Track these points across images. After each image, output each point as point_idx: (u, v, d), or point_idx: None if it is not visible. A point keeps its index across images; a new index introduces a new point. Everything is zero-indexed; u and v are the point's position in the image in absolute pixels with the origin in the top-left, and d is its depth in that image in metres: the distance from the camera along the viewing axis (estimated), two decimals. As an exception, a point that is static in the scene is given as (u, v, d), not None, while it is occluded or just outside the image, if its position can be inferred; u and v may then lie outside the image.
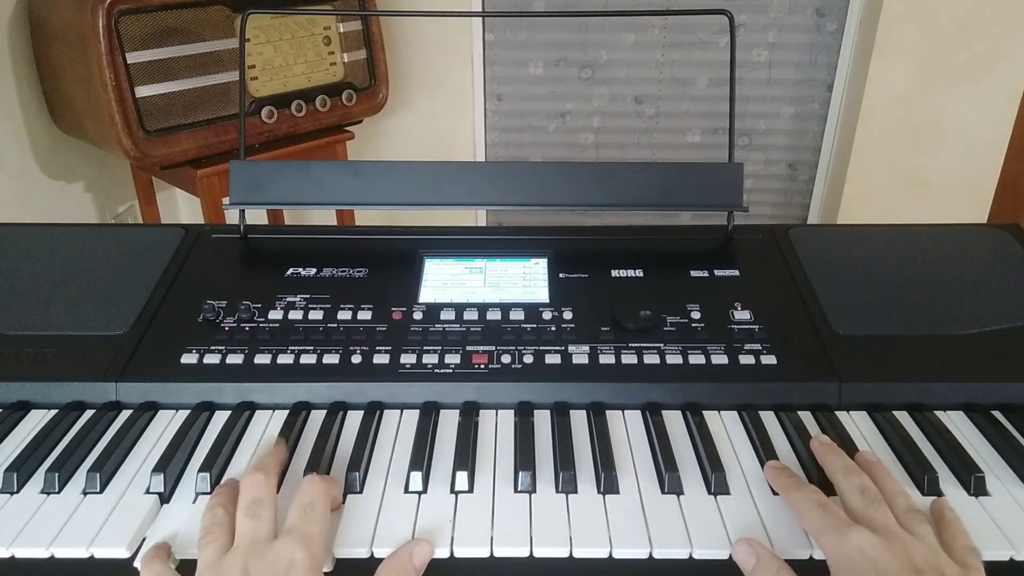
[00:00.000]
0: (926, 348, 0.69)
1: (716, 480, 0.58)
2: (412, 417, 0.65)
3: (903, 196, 2.37)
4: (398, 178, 0.82)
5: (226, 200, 0.85)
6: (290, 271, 0.78)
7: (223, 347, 0.69)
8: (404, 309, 0.73)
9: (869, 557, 0.48)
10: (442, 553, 0.52)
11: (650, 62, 2.34)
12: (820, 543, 0.51)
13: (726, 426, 0.64)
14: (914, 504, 0.53)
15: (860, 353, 0.68)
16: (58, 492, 0.58)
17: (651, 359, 0.67)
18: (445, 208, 0.82)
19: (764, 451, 0.61)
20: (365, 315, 0.72)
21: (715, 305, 0.73)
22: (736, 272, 0.78)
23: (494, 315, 0.72)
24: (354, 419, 0.65)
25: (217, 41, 1.62)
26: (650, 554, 0.52)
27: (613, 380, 0.67)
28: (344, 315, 0.72)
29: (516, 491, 0.57)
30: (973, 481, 0.58)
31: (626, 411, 0.66)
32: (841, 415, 0.65)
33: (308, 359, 0.68)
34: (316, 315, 0.72)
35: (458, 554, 0.53)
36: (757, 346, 0.69)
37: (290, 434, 0.63)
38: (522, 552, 0.52)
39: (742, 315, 0.72)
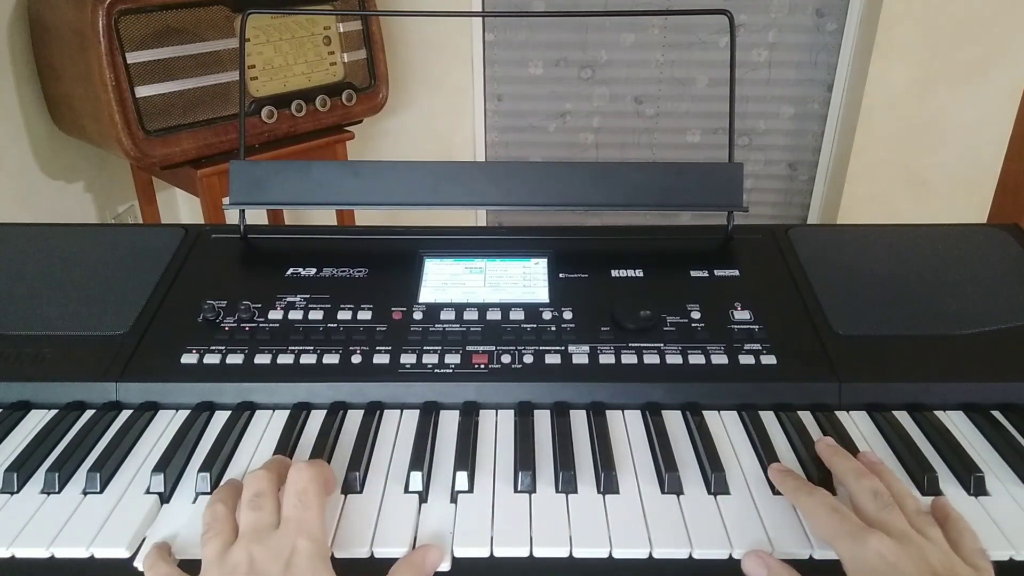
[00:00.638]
0: (926, 348, 0.69)
1: (716, 480, 0.58)
2: (412, 417, 0.65)
3: (903, 196, 2.37)
4: (398, 178, 0.82)
5: (226, 200, 0.85)
6: (290, 271, 0.78)
7: (223, 347, 0.69)
8: (404, 309, 0.73)
9: (888, 562, 0.47)
10: (444, 565, 0.52)
11: (650, 62, 2.34)
12: (836, 548, 0.50)
13: (726, 426, 0.64)
14: (923, 506, 0.53)
15: (860, 353, 0.68)
16: (58, 492, 0.58)
17: (651, 359, 0.68)
18: (445, 208, 0.82)
19: (764, 451, 0.61)
20: (365, 315, 0.72)
21: (715, 305, 0.73)
22: (736, 272, 0.78)
23: (494, 315, 0.72)
24: (354, 419, 0.65)
25: (217, 41, 1.62)
26: (650, 554, 0.52)
27: (613, 380, 0.67)
28: (344, 315, 0.72)
29: (516, 491, 0.57)
30: (973, 481, 0.58)
31: (626, 411, 0.66)
32: (841, 415, 0.65)
33: (308, 359, 0.68)
34: (316, 315, 0.72)
35: (458, 554, 0.53)
36: (757, 346, 0.69)
37: (291, 434, 0.63)
38: (522, 552, 0.52)
39: (742, 315, 0.72)
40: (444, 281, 0.77)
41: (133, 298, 0.74)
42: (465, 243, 0.83)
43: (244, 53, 1.37)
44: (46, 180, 1.81)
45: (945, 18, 2.12)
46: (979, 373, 0.67)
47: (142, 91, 1.53)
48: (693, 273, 0.78)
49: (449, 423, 0.64)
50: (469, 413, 0.65)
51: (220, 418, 0.65)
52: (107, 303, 0.74)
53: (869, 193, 2.36)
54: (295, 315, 0.72)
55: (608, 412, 0.65)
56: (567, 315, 0.72)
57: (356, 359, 0.68)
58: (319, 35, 1.79)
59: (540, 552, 0.52)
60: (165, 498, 0.57)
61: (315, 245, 0.83)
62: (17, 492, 0.58)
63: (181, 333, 0.70)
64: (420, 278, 0.77)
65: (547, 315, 0.72)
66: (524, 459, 0.59)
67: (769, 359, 0.68)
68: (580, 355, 0.68)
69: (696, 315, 0.72)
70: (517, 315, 0.72)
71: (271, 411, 0.66)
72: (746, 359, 0.68)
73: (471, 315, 0.72)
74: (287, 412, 0.66)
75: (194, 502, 0.57)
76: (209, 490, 0.58)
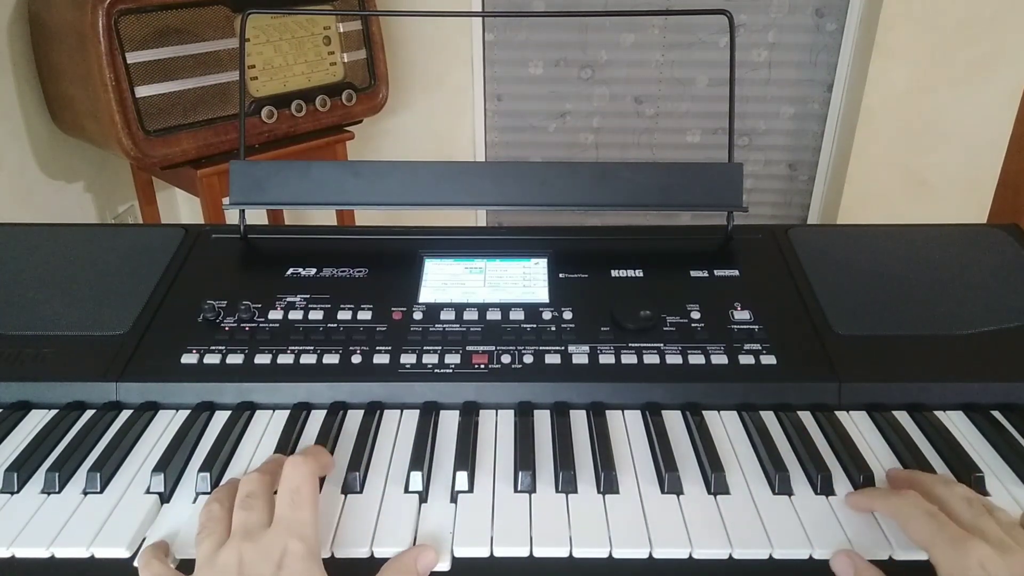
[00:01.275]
0: (926, 348, 0.69)
1: (716, 480, 0.58)
2: (412, 417, 0.65)
3: (903, 196, 2.37)
4: (398, 178, 0.82)
5: (226, 200, 0.85)
6: (290, 271, 0.78)
7: (223, 347, 0.69)
8: (404, 309, 0.73)
9: (989, 572, 0.46)
10: (442, 553, 0.52)
11: (650, 62, 2.34)
12: (933, 554, 0.49)
13: (726, 426, 0.64)
14: (1013, 519, 0.52)
15: (860, 353, 0.68)
16: (58, 492, 0.58)
17: (651, 359, 0.68)
18: (445, 208, 0.82)
19: (764, 451, 0.61)
20: (365, 315, 0.72)
21: (715, 305, 0.73)
22: (736, 272, 0.78)
23: (494, 315, 0.72)
24: (354, 419, 0.65)
25: (217, 41, 1.62)
26: (650, 554, 0.52)
27: (613, 380, 0.67)
28: (344, 315, 0.72)
29: (516, 491, 0.57)
30: (973, 481, 0.58)
31: (626, 411, 0.66)
32: (841, 415, 0.65)
33: (308, 359, 0.68)
34: (316, 315, 0.72)
35: (458, 554, 0.53)
36: (757, 346, 0.69)
37: (291, 434, 0.63)
38: (522, 552, 0.52)
39: (742, 315, 0.72)
40: (444, 281, 0.77)
41: (133, 298, 0.74)
42: (465, 243, 0.83)
43: (244, 53, 1.37)
44: (46, 180, 1.81)
45: (945, 18, 2.12)
46: (979, 373, 0.67)
47: (142, 91, 1.53)
48: (693, 273, 0.78)
49: (449, 423, 0.64)
50: (469, 413, 0.65)
51: (220, 418, 0.65)
52: (107, 303, 0.74)
53: (869, 193, 2.36)
54: (295, 315, 0.72)
55: (608, 412, 0.65)
56: (567, 315, 0.72)
57: (356, 359, 0.68)
58: (319, 35, 1.79)
59: (540, 552, 0.52)
60: (165, 498, 0.57)
61: (315, 245, 0.83)
62: (17, 492, 0.58)
63: (181, 333, 0.70)
64: (420, 278, 0.77)
65: (547, 315, 0.72)
66: (524, 459, 0.59)
67: (769, 359, 0.68)
68: (580, 355, 0.68)
69: (696, 315, 0.72)
70: (517, 315, 0.72)
71: (271, 411, 0.66)
72: (746, 359, 0.68)
73: (471, 315, 0.72)
74: (287, 412, 0.66)
75: (194, 502, 0.57)
76: (209, 490, 0.58)
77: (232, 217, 0.86)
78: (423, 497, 0.57)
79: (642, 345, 0.69)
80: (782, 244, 0.82)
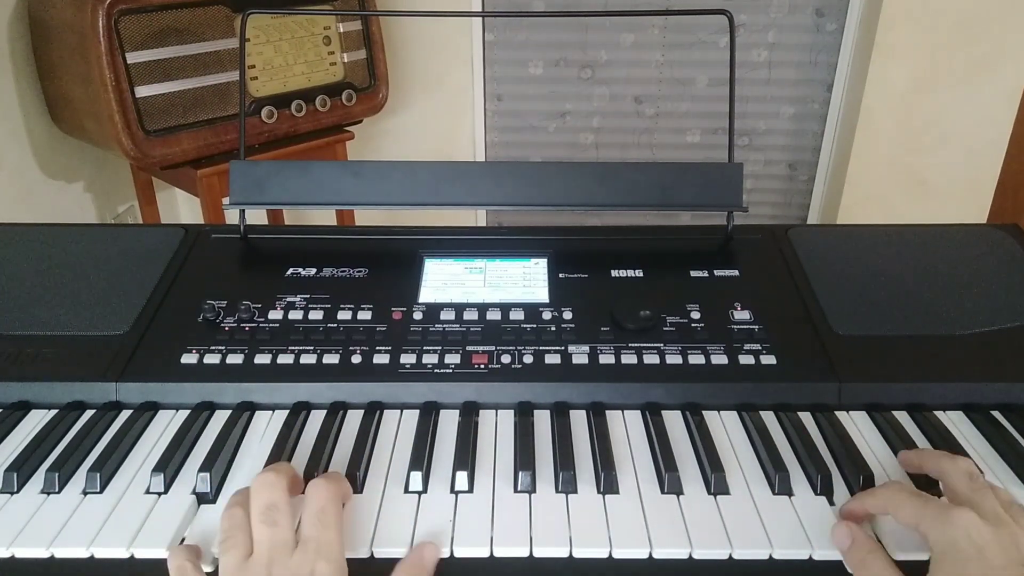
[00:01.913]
0: (926, 348, 0.69)
1: (716, 480, 0.58)
2: (412, 417, 0.65)
3: (903, 196, 2.37)
4: (398, 178, 0.82)
5: (226, 200, 0.85)
6: (290, 271, 0.78)
7: (223, 347, 0.69)
8: (404, 309, 0.73)
9: (976, 543, 0.45)
10: (442, 553, 0.52)
11: (650, 62, 2.34)
12: (922, 531, 0.49)
13: (726, 426, 0.64)
14: (1013, 498, 0.51)
15: (860, 353, 0.68)
16: (58, 492, 0.58)
17: (651, 359, 0.68)
18: (445, 208, 0.82)
19: (764, 451, 0.61)
20: (365, 315, 0.72)
21: (715, 305, 0.73)
22: (736, 272, 0.78)
23: (494, 315, 0.72)
24: (354, 419, 0.65)
25: (217, 41, 1.62)
26: (650, 554, 0.52)
27: (613, 380, 0.67)
28: (344, 315, 0.72)
29: (516, 491, 0.57)
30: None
31: (626, 411, 0.66)
32: (841, 415, 0.65)
33: (308, 359, 0.68)
34: (316, 315, 0.72)
35: (458, 554, 0.53)
36: (757, 346, 0.69)
37: (291, 434, 0.63)
38: (522, 552, 0.52)
39: (742, 315, 0.72)
40: (444, 281, 0.77)
41: (133, 298, 0.74)
42: (465, 243, 0.83)
43: (244, 53, 1.37)
44: (46, 180, 1.81)
45: (945, 18, 2.12)
46: (979, 373, 0.67)
47: (142, 91, 1.53)
48: (693, 273, 0.78)
49: (449, 423, 0.64)
50: (469, 413, 0.65)
51: (220, 418, 0.65)
52: (107, 303, 0.74)
53: (869, 193, 2.36)
54: (295, 315, 0.72)
55: (608, 412, 0.65)
56: (567, 315, 0.72)
57: (356, 359, 0.68)
58: (319, 35, 1.79)
59: (540, 552, 0.52)
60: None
61: (315, 245, 0.83)
62: (17, 492, 0.58)
63: (181, 333, 0.70)
64: (420, 278, 0.77)
65: (547, 315, 0.72)
66: (524, 459, 0.59)
67: (769, 359, 0.68)
68: (580, 355, 0.68)
69: (696, 315, 0.72)
70: (517, 315, 0.72)
71: (271, 411, 0.66)
72: (746, 359, 0.68)
73: (471, 315, 0.72)
74: (287, 412, 0.66)
75: (192, 493, 0.57)
76: (209, 490, 0.57)
77: (232, 217, 0.86)
78: (423, 497, 0.57)
79: (642, 345, 0.69)
80: (782, 244, 0.82)
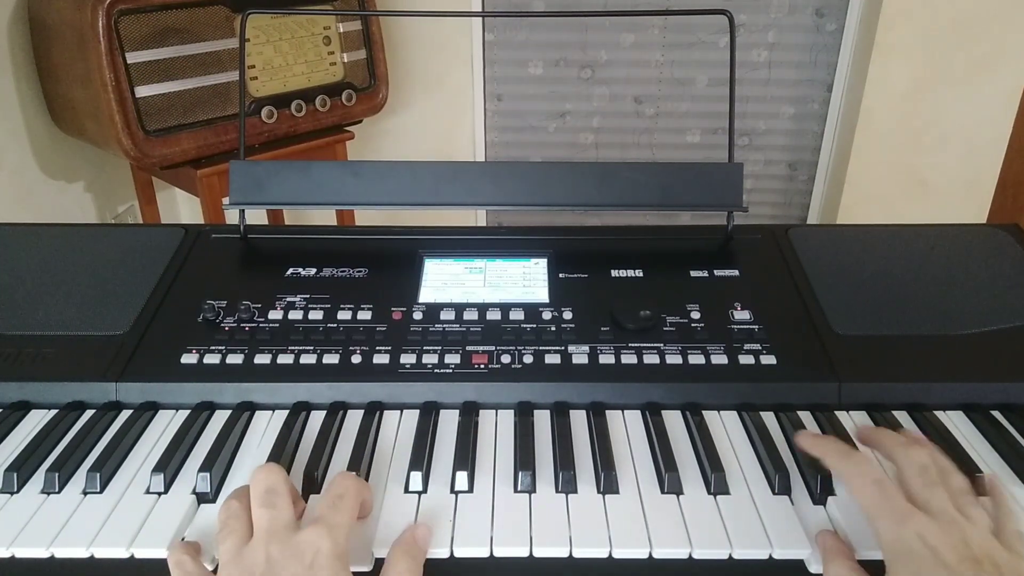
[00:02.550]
0: (926, 348, 0.69)
1: (716, 480, 0.58)
2: (412, 417, 0.65)
3: (903, 196, 2.37)
4: (398, 178, 0.82)
5: (226, 200, 0.85)
6: (290, 271, 0.78)
7: (223, 347, 0.69)
8: (404, 309, 0.73)
9: (928, 545, 0.46)
10: (442, 553, 0.53)
11: (650, 62, 2.34)
12: (875, 525, 0.49)
13: (726, 426, 0.64)
14: (967, 485, 0.52)
15: (859, 353, 0.68)
16: (58, 492, 0.58)
17: (651, 359, 0.68)
18: (445, 208, 0.82)
19: (764, 451, 0.61)
20: (365, 315, 0.72)
21: (715, 305, 0.73)
22: (736, 272, 0.78)
23: (494, 315, 0.72)
24: (354, 419, 0.65)
25: (217, 41, 1.62)
26: (650, 554, 0.52)
27: (613, 380, 0.67)
28: (344, 315, 0.72)
29: (516, 491, 0.57)
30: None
31: (626, 411, 0.66)
32: (841, 415, 0.65)
33: (308, 359, 0.68)
34: (316, 315, 0.72)
35: (458, 554, 0.53)
36: (757, 346, 0.69)
37: (291, 434, 0.63)
38: (522, 552, 0.52)
39: (742, 315, 0.72)
40: (444, 281, 0.77)
41: (133, 298, 0.74)
42: (465, 243, 0.83)
43: (244, 53, 1.37)
44: (46, 180, 1.81)
45: (945, 18, 2.12)
46: (979, 373, 0.67)
47: (142, 91, 1.53)
48: (693, 273, 0.78)
49: (449, 423, 0.64)
50: (469, 413, 0.65)
51: (220, 418, 0.65)
52: (107, 303, 0.74)
53: (869, 193, 2.36)
54: (295, 315, 0.72)
55: (608, 412, 0.65)
56: (567, 315, 0.72)
57: (356, 359, 0.68)
58: (319, 35, 1.79)
59: (540, 552, 0.52)
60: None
61: (315, 245, 0.83)
62: (17, 492, 0.58)
63: (181, 333, 0.70)
64: (420, 278, 0.77)
65: (547, 315, 0.72)
66: (524, 459, 0.59)
67: (769, 359, 0.68)
68: (580, 355, 0.68)
69: (696, 315, 0.72)
70: (517, 315, 0.72)
71: (271, 411, 0.66)
72: (746, 359, 0.68)
73: (471, 315, 0.72)
74: (287, 412, 0.66)
75: (192, 492, 0.57)
76: (209, 490, 0.58)
77: (232, 217, 0.86)
78: (423, 497, 0.57)
79: (642, 345, 0.69)
80: (782, 244, 0.82)
